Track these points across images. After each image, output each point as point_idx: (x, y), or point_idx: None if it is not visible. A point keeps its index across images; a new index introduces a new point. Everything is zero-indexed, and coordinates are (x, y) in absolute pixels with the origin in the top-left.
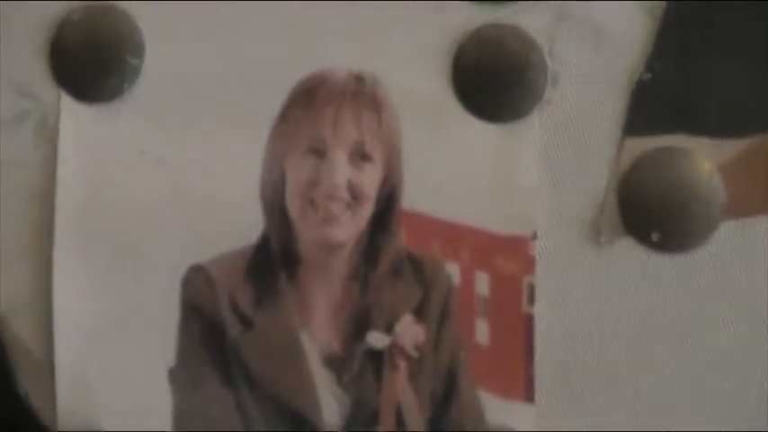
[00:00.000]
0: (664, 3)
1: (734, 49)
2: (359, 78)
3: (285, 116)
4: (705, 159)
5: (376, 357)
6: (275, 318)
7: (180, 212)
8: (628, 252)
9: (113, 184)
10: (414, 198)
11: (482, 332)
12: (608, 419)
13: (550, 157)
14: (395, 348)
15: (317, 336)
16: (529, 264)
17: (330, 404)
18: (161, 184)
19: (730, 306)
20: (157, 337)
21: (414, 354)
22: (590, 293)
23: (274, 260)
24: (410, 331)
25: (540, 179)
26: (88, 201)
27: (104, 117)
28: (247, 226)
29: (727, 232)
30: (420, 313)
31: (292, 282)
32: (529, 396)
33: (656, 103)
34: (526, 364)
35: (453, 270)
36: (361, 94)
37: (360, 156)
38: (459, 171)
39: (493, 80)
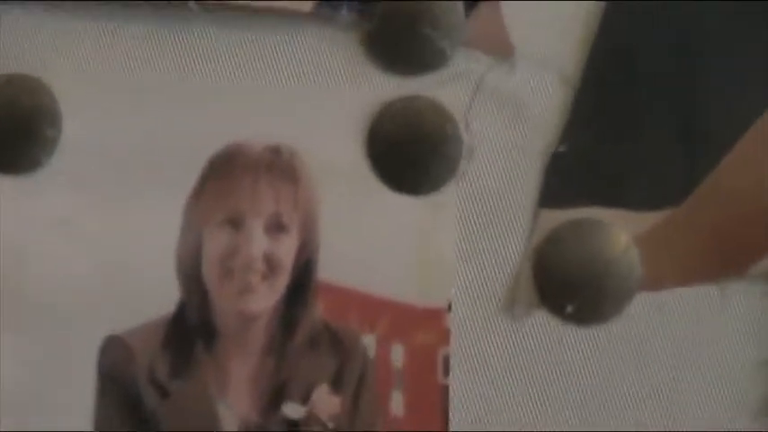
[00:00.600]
0: (581, 74)
1: (649, 122)
2: (275, 150)
3: (202, 187)
4: (621, 232)
5: (293, 427)
6: (192, 388)
7: (98, 283)
8: (542, 323)
9: (32, 255)
10: (330, 270)
11: (397, 403)
12: None
13: (466, 229)
14: (311, 419)
15: (233, 406)
16: (444, 335)
17: None
18: (79, 254)
19: (644, 377)
20: (76, 406)
21: (329, 424)
22: (505, 364)
23: (191, 330)
24: (326, 402)
25: (456, 251)
26: (6, 271)
27: (23, 188)
28: (164, 296)
29: (642, 304)
30: (336, 384)
31: (209, 352)
32: None
33: (572, 175)
34: None
35: (369, 341)
36: (277, 166)
37: (276, 227)
38: (375, 243)
39: (408, 153)
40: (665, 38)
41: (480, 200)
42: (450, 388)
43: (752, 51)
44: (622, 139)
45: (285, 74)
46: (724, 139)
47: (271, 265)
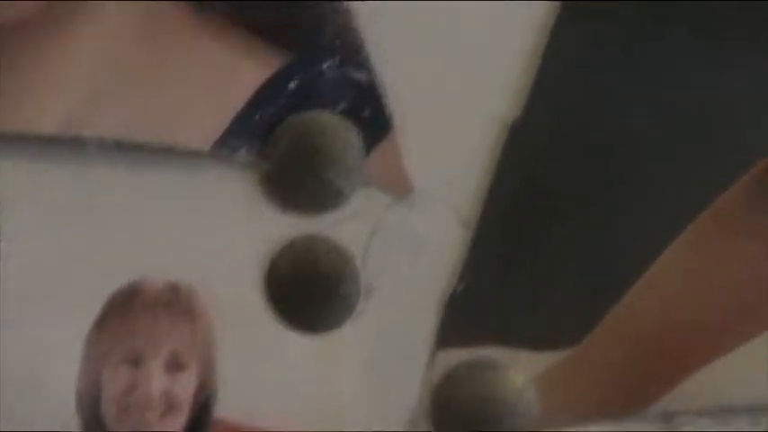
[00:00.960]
0: (479, 213)
1: (548, 261)
2: (174, 288)
3: (101, 325)
4: (517, 372)
5: None
6: None
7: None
8: None
9: None
10: (228, 407)
11: None
12: None
13: (364, 368)
14: None
15: None
16: None
17: None
18: None
19: None
20: None
21: None
22: None
23: None
24: None
25: (354, 389)
26: None
27: None
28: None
29: None
30: None
31: None
32: None
33: (469, 314)
34: None
35: None
36: (176, 305)
37: (175, 365)
38: (272, 380)
39: (305, 293)
40: (564, 178)
41: (379, 338)
42: None
43: (658, 187)
44: (520, 278)
45: (184, 212)
46: (624, 280)
47: (169, 403)
